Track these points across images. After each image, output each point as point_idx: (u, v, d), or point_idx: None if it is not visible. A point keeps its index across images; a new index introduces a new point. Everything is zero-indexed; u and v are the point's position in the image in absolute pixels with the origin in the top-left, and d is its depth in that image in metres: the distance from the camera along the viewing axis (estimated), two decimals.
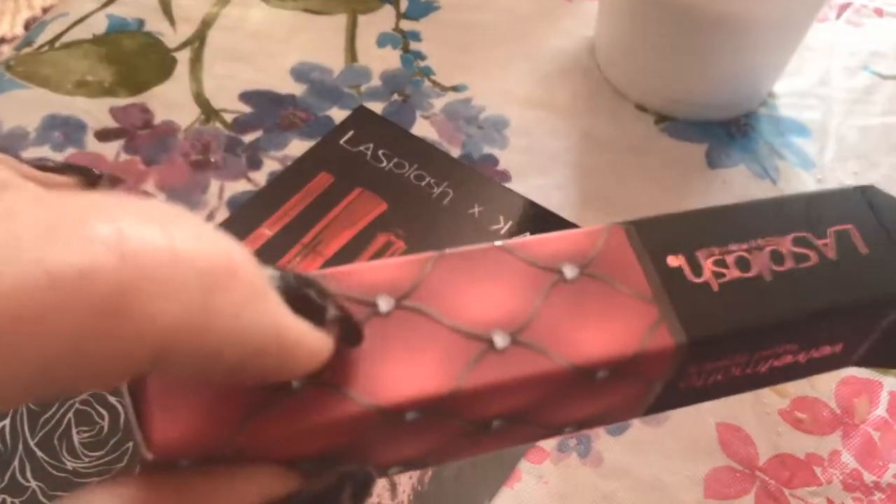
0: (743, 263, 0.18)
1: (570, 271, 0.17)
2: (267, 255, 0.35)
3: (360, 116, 0.40)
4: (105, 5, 0.44)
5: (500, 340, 0.16)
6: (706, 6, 0.36)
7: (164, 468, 0.14)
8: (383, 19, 0.45)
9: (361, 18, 0.45)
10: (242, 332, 0.12)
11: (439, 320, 0.16)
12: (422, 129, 0.40)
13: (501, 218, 0.37)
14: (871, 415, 0.33)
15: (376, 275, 0.16)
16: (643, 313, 0.17)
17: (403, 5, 0.45)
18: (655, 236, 0.18)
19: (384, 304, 0.16)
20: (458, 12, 0.45)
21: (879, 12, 0.49)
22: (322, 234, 0.36)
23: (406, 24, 0.44)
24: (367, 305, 0.16)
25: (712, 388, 0.18)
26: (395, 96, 0.41)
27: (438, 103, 0.41)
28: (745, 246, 0.18)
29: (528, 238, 0.18)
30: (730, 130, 0.42)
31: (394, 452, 0.16)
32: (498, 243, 0.17)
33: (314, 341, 0.14)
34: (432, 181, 0.38)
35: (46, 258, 0.10)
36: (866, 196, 0.20)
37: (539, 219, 0.37)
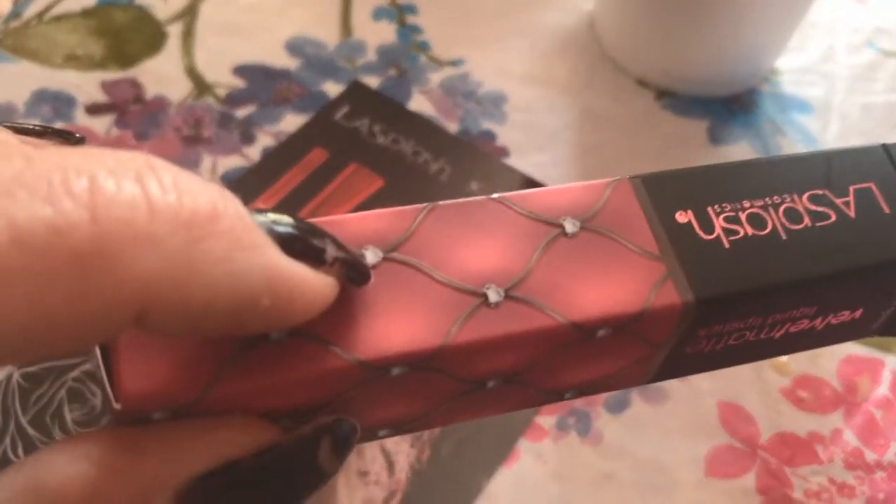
0: (756, 221, 0.17)
1: (570, 225, 0.16)
2: None
3: (356, 91, 0.40)
4: None
5: (494, 295, 0.15)
6: None
7: (135, 421, 0.13)
8: None
9: None
10: (232, 279, 0.12)
11: (429, 274, 0.15)
12: (418, 104, 0.40)
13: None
14: (874, 393, 0.32)
15: (364, 225, 0.16)
16: (648, 270, 0.16)
17: None
18: (664, 191, 0.17)
19: (371, 256, 0.15)
20: None
21: None
22: (318, 210, 0.35)
23: None
24: None
25: (723, 354, 0.18)
26: (392, 71, 0.41)
27: (435, 78, 0.41)
28: (759, 203, 0.17)
29: (527, 191, 0.17)
30: (731, 107, 0.41)
31: (381, 412, 0.16)
32: (495, 195, 0.16)
33: (316, 284, 0.13)
34: (429, 157, 0.37)
35: (12, 213, 0.10)
36: (890, 153, 0.19)
37: None
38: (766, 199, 0.17)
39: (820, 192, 0.18)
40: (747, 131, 0.40)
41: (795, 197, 0.17)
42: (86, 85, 0.39)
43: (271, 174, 0.36)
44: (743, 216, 0.17)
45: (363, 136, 0.38)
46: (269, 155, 0.37)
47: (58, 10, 0.42)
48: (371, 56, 0.41)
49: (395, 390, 0.15)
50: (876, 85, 0.43)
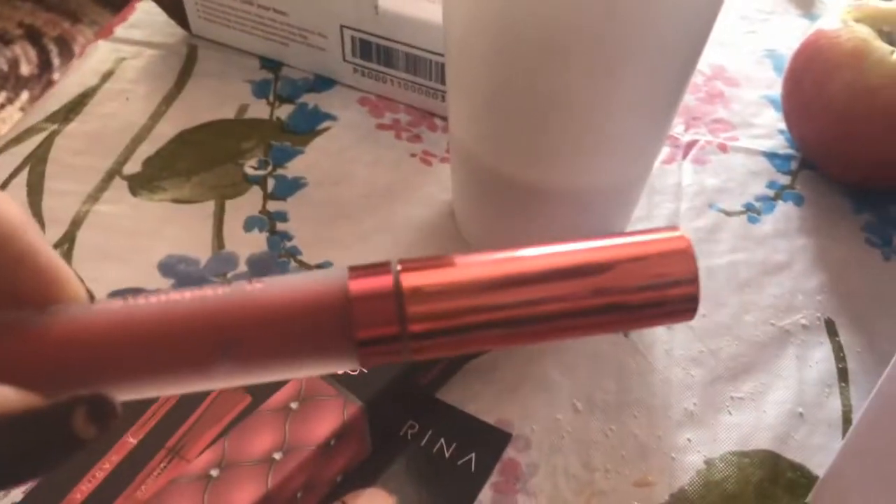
0: None
1: (294, 405, 0.34)
2: (132, 464, 0.36)
3: None
4: None
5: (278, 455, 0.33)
6: (533, 181, 0.39)
7: None
8: (250, 202, 0.47)
9: (229, 203, 0.46)
10: None
11: None
12: None
13: None
14: None
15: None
16: (338, 403, 0.33)
17: (271, 185, 0.47)
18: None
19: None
20: (324, 188, 0.47)
21: (724, 148, 0.52)
22: (186, 437, 0.37)
23: (273, 205, 0.46)
24: None
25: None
26: None
27: None
28: None
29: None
30: None
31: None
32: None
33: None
34: None
35: None
36: None
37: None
38: None
39: None
40: None
41: None
42: None
43: (142, 403, 0.38)
44: None
45: None
46: None
47: None
48: (242, 267, 0.44)
49: None
50: (718, 247, 0.46)
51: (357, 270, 0.18)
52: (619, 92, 0.35)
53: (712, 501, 0.36)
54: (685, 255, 0.17)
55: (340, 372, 0.24)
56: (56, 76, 1.75)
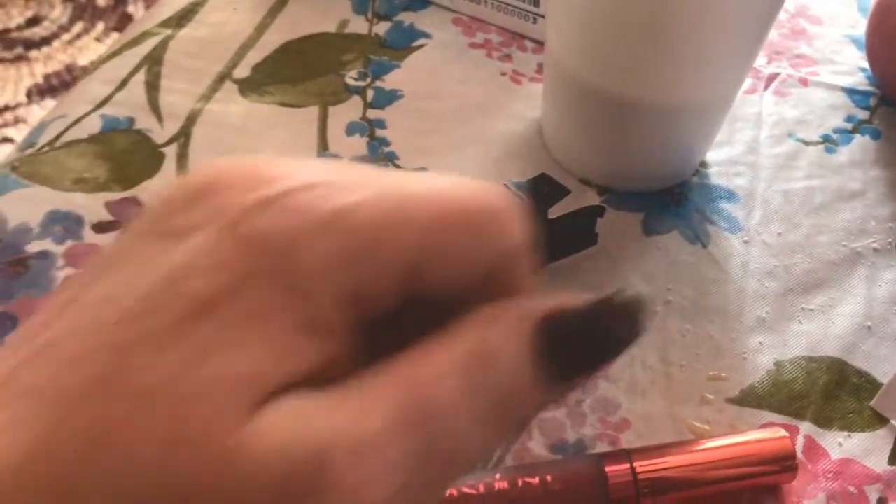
0: None
1: None
2: None
3: None
4: (99, 106, 0.49)
5: None
6: (628, 95, 0.41)
7: None
8: (351, 109, 0.49)
9: (331, 109, 0.49)
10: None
11: None
12: None
13: None
14: None
15: None
16: None
17: (370, 95, 0.50)
18: None
19: None
20: (419, 100, 0.50)
21: (804, 82, 0.54)
22: None
23: (372, 113, 0.49)
24: None
25: None
26: None
27: None
28: None
29: None
30: (664, 199, 0.46)
31: None
32: None
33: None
34: None
35: None
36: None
37: None
38: None
39: None
40: (678, 221, 0.45)
41: None
42: (92, 205, 0.44)
43: None
44: None
45: None
46: None
47: (67, 137, 0.48)
48: None
49: None
50: (796, 173, 0.48)
51: (605, 459, 0.33)
52: (719, 10, 0.37)
53: (780, 399, 0.38)
54: (788, 448, 0.35)
55: None
56: (131, 9, 1.80)
